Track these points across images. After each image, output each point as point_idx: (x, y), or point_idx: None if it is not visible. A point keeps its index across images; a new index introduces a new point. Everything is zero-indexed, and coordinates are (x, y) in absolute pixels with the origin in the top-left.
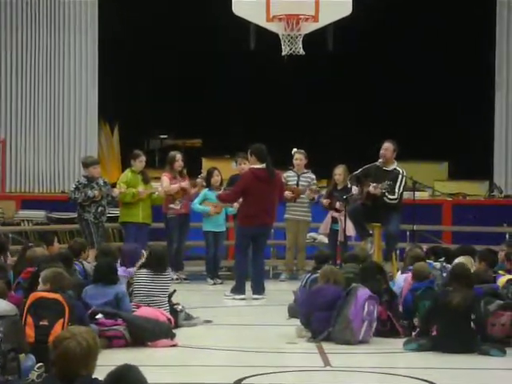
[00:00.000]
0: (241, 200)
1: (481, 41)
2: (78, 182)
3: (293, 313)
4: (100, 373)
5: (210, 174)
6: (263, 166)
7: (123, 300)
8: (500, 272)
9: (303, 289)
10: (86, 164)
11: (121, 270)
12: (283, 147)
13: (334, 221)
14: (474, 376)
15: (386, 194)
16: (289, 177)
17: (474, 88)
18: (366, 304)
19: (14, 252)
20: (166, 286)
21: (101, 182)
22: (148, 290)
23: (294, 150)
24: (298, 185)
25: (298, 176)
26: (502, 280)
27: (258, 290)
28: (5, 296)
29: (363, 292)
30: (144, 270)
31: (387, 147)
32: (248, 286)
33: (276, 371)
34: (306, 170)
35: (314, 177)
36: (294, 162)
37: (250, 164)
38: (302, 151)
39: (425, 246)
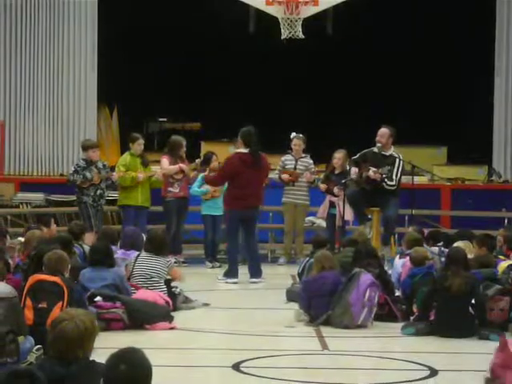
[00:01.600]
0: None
1: (481, 25)
2: (77, 164)
3: (291, 296)
4: (98, 355)
5: (207, 158)
6: (248, 150)
7: (122, 283)
8: (500, 257)
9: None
10: (85, 147)
11: (120, 253)
12: (282, 131)
13: (332, 205)
14: (472, 360)
15: (386, 180)
16: (287, 160)
17: (474, 73)
18: (368, 290)
19: (12, 234)
20: (164, 269)
21: (100, 165)
22: (146, 273)
23: (293, 134)
24: (295, 169)
25: (295, 160)
26: (503, 265)
27: (255, 273)
28: (3, 278)
29: (366, 277)
30: (144, 254)
31: (383, 133)
32: (241, 269)
33: (274, 355)
34: (304, 155)
35: (311, 161)
36: (293, 146)
37: (236, 147)
38: (301, 136)
39: (424, 231)
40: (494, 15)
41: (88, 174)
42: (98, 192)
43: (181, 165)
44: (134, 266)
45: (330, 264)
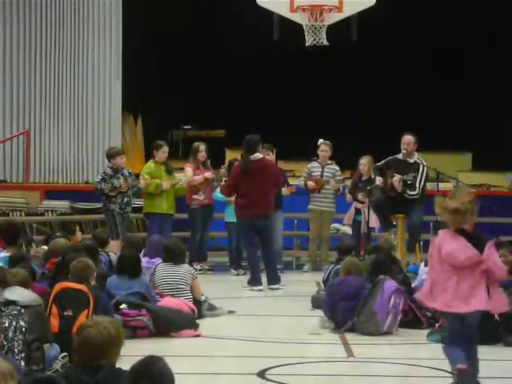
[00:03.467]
0: None
1: (507, 33)
2: (104, 172)
3: (316, 304)
4: (123, 363)
5: (231, 164)
6: (254, 157)
7: (148, 291)
8: None
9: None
10: (112, 154)
11: (144, 261)
12: (309, 138)
13: (358, 212)
14: (498, 367)
15: (407, 191)
16: (313, 167)
17: (499, 79)
18: (393, 297)
19: (37, 242)
20: (186, 276)
21: (126, 172)
22: (168, 282)
23: (321, 140)
24: (322, 176)
25: (322, 167)
26: None
27: (272, 280)
28: (28, 286)
29: (390, 284)
30: (163, 263)
31: (408, 141)
32: (264, 277)
33: (299, 362)
34: (330, 162)
35: (338, 168)
36: (320, 153)
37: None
38: (328, 142)
39: None
40: None
41: (116, 182)
42: (125, 200)
43: (205, 174)
44: (156, 274)
45: (357, 270)
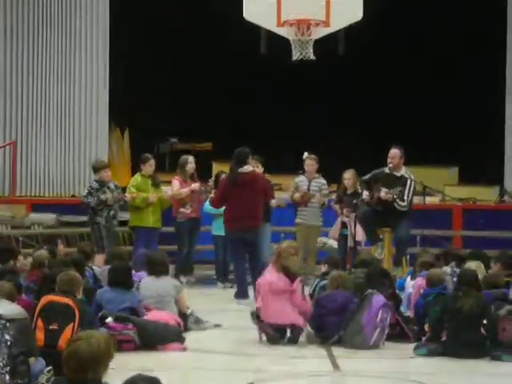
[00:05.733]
0: None
1: (493, 47)
2: (90, 186)
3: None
4: (109, 376)
5: (218, 177)
6: (243, 169)
7: (139, 307)
8: None
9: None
10: (97, 168)
11: None
12: (295, 152)
13: (344, 226)
14: (485, 381)
15: (397, 200)
16: (300, 181)
17: (486, 93)
18: (381, 311)
19: (24, 255)
20: (171, 290)
21: (111, 185)
22: (153, 295)
23: (306, 154)
24: (308, 190)
25: (309, 181)
26: None
27: None
28: (14, 299)
29: (378, 299)
30: (147, 277)
31: (394, 155)
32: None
33: (286, 376)
34: (317, 175)
35: (324, 182)
36: (306, 167)
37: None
38: (314, 156)
39: (436, 251)
40: (505, 32)
41: (103, 196)
42: (111, 213)
43: (192, 186)
44: (141, 288)
45: (345, 285)
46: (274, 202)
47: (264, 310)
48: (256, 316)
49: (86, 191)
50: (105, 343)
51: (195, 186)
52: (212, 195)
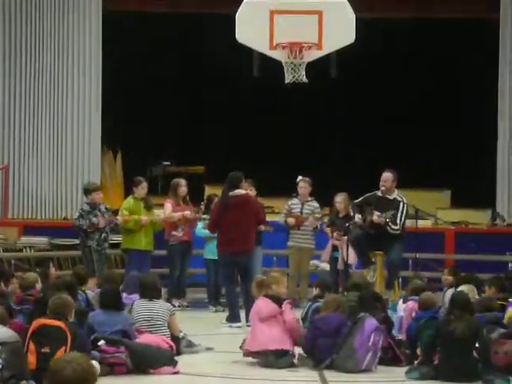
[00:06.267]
0: None
1: (484, 68)
2: (82, 209)
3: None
4: None
5: (210, 200)
6: (234, 193)
7: (131, 329)
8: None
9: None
10: (89, 190)
11: (123, 297)
12: (288, 174)
13: (335, 249)
14: None
15: (390, 224)
16: (293, 204)
17: (478, 116)
18: (373, 335)
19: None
20: (164, 313)
21: (102, 208)
22: (145, 318)
23: (299, 177)
24: (301, 213)
25: (302, 204)
26: (511, 310)
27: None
28: (5, 322)
29: (371, 322)
30: (139, 300)
31: (386, 178)
32: (243, 313)
33: None
34: (310, 198)
35: (317, 205)
36: (299, 189)
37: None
38: (307, 179)
39: (427, 275)
40: (497, 56)
41: (94, 219)
42: (103, 236)
43: (185, 213)
44: (133, 311)
45: (340, 309)
46: (262, 227)
47: (251, 340)
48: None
49: (78, 214)
50: (87, 364)
51: (188, 213)
52: (203, 217)
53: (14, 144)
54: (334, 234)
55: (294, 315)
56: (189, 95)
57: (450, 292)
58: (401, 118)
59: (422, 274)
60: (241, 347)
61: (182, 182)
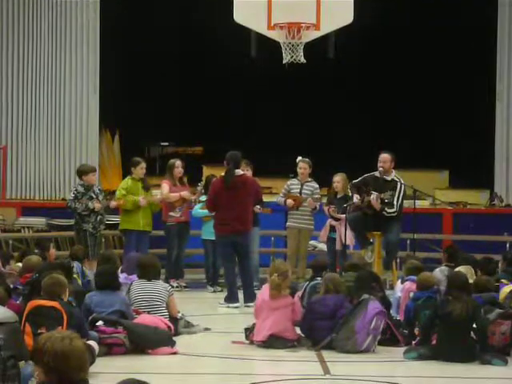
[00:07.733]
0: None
1: (483, 50)
2: (76, 190)
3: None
4: (100, 381)
5: (208, 181)
6: (235, 172)
7: (128, 310)
8: (503, 281)
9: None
10: (85, 171)
11: (122, 277)
12: (286, 155)
13: (333, 229)
14: None
15: (386, 208)
16: (292, 185)
17: (475, 97)
18: (375, 318)
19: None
20: (162, 293)
21: (96, 189)
22: (144, 298)
23: (299, 158)
24: (300, 193)
25: (301, 184)
26: (505, 290)
27: (248, 297)
28: (4, 303)
29: (374, 305)
30: (139, 280)
31: (385, 159)
32: (241, 294)
33: (276, 379)
34: (309, 179)
35: (317, 186)
36: (298, 170)
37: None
38: (307, 160)
39: (424, 255)
40: (495, 38)
41: (90, 204)
42: (98, 218)
43: (182, 193)
44: (131, 291)
45: (337, 288)
46: (258, 208)
47: (261, 329)
48: (248, 333)
49: (73, 195)
50: (76, 338)
51: (186, 193)
52: (200, 199)
53: (11, 125)
54: (330, 210)
55: (299, 304)
56: (187, 76)
57: (441, 269)
58: (400, 98)
59: (421, 254)
60: (247, 336)
61: (178, 162)
